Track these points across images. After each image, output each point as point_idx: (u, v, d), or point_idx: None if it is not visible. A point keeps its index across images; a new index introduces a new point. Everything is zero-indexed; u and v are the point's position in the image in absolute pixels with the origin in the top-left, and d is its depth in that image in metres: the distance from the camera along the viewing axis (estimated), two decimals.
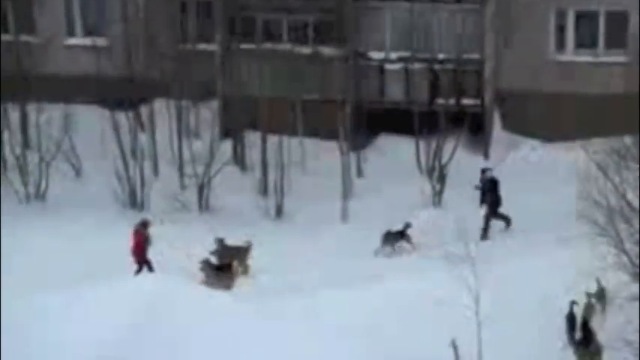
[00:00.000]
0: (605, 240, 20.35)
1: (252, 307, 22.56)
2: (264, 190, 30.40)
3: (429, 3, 31.78)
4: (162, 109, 32.09)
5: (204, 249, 25.92)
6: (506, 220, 27.22)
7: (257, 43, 32.40)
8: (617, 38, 32.20)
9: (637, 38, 31.59)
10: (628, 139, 21.79)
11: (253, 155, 31.43)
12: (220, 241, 26.04)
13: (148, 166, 30.63)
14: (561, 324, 21.18)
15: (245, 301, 23.15)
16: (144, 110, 32.26)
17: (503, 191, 27.69)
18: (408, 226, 26.76)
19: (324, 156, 31.86)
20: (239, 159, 32.01)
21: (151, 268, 25.25)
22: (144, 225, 25.53)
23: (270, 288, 24.26)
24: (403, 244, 26.65)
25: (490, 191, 27.30)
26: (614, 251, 20.22)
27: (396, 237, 26.71)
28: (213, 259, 25.69)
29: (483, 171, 28.10)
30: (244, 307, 22.54)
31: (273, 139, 30.63)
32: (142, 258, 25.23)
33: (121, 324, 21.22)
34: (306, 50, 32.60)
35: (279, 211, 29.52)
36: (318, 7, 32.21)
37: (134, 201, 29.72)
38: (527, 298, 21.99)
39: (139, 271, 25.18)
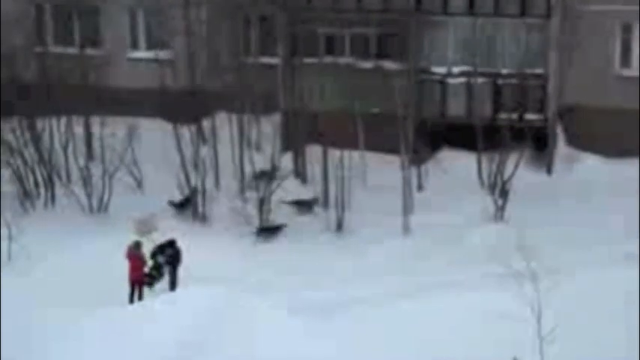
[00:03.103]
0: None
1: (311, 322, 22.53)
2: (325, 204, 30.38)
3: (493, 17, 31.62)
4: (224, 122, 32.24)
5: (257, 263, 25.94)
6: None
7: (319, 57, 32.44)
8: None
9: None
10: None
11: (314, 169, 31.44)
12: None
13: (209, 178, 30.76)
14: (625, 341, 20.89)
15: (303, 314, 23.10)
16: (206, 123, 32.44)
17: (566, 206, 27.35)
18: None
19: (385, 170, 31.79)
20: (300, 172, 32.04)
21: (140, 294, 25.06)
22: (137, 246, 25.29)
23: (331, 301, 24.18)
24: None
25: None
26: None
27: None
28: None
29: None
30: (301, 322, 22.52)
31: (334, 153, 30.61)
32: (137, 279, 25.09)
33: (178, 337, 21.35)
34: (367, 64, 32.58)
35: (339, 225, 29.49)
36: (380, 21, 32.19)
37: (196, 213, 29.85)
38: (592, 314, 21.72)
39: (132, 293, 25.03)
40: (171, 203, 29.80)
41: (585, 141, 32.46)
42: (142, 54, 35.15)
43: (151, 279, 25.43)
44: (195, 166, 30.59)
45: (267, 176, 29.62)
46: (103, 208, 30.32)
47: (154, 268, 25.71)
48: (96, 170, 30.57)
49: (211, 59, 32.74)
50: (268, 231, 28.74)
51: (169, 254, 25.79)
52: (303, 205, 30.00)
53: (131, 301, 24.88)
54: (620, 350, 20.94)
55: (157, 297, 24.21)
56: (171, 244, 25.95)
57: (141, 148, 31.17)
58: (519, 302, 20.36)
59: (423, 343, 21.62)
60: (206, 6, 33.27)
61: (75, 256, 26.65)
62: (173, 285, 25.64)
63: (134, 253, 25.18)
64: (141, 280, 25.18)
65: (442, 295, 23.48)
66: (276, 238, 28.70)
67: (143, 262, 25.26)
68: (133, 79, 34.48)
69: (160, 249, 25.94)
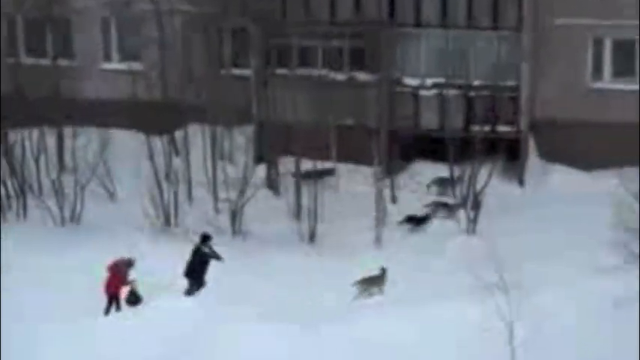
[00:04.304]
0: None
1: (284, 331, 22.52)
2: (297, 215, 30.40)
3: (465, 29, 31.77)
4: (196, 134, 32.23)
5: (233, 272, 25.91)
6: None
7: (292, 69, 32.48)
8: None
9: None
10: None
11: (287, 180, 31.44)
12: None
13: (182, 190, 30.72)
14: (595, 354, 20.98)
15: (275, 325, 23.08)
16: (178, 135, 32.40)
17: (538, 218, 27.45)
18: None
19: (358, 182, 31.86)
20: (273, 184, 32.04)
21: (118, 307, 24.96)
22: (129, 264, 25.12)
23: (305, 312, 24.16)
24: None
25: None
26: None
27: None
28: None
29: None
30: (274, 331, 22.50)
31: (307, 164, 30.63)
32: (114, 293, 24.96)
33: (156, 350, 21.23)
34: (340, 76, 32.65)
35: (312, 236, 29.50)
36: (353, 33, 32.27)
37: (168, 225, 29.79)
38: (562, 326, 21.80)
39: (109, 306, 24.89)
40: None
41: (557, 153, 32.63)
42: (114, 65, 35.09)
43: (135, 298, 25.11)
44: (168, 177, 30.55)
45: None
46: (75, 219, 30.21)
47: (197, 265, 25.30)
48: (68, 182, 30.47)
49: (184, 71, 32.73)
50: (414, 221, 28.83)
51: (210, 247, 25.73)
52: (445, 208, 30.17)
53: (107, 313, 24.76)
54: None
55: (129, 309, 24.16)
56: (207, 237, 25.84)
57: (113, 159, 31.09)
58: (491, 314, 20.41)
59: (396, 354, 21.61)
60: (179, 17, 33.28)
61: (46, 268, 26.52)
62: (200, 285, 25.42)
63: (120, 269, 24.99)
64: (117, 295, 25.01)
65: (414, 307, 23.50)
66: (423, 228, 28.87)
67: (123, 281, 25.07)
68: (106, 90, 34.42)
69: (203, 240, 25.82)
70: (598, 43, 32.44)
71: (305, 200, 30.18)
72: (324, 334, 22.18)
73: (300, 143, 30.82)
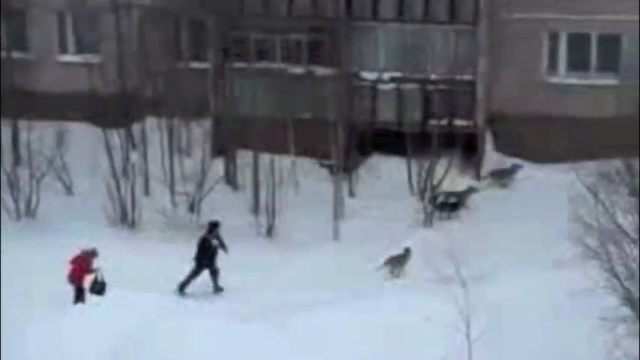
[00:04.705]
0: (597, 263, 20.34)
1: (247, 326, 22.52)
2: (255, 209, 30.36)
3: (422, 24, 31.86)
4: (154, 127, 32.04)
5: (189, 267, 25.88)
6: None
7: (250, 63, 32.42)
8: (608, 61, 32.31)
9: (628, 61, 31.68)
10: (618, 163, 21.84)
11: (245, 174, 31.40)
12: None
13: (139, 183, 30.57)
14: (553, 345, 21.16)
15: (237, 320, 23.07)
16: (136, 128, 32.23)
17: (494, 211, 27.61)
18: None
19: (316, 175, 31.90)
20: (231, 178, 31.98)
21: (83, 298, 24.80)
22: (92, 253, 25.02)
23: (263, 306, 24.17)
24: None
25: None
26: (606, 274, 20.20)
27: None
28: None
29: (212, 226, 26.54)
30: (236, 326, 22.49)
31: (265, 158, 30.60)
32: (79, 284, 24.86)
33: (110, 344, 21.15)
34: (298, 70, 32.64)
35: (270, 230, 29.48)
36: (311, 27, 32.26)
37: (125, 219, 29.65)
38: (520, 319, 21.96)
39: (78, 297, 24.78)
40: None
41: (514, 147, 32.81)
42: (70, 58, 34.81)
43: (100, 287, 24.99)
44: (125, 171, 30.39)
45: None
46: (30, 213, 29.97)
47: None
48: (23, 175, 30.22)
49: (141, 64, 32.54)
50: (448, 206, 28.97)
51: (218, 235, 26.01)
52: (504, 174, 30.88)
53: (76, 302, 24.69)
54: (547, 353, 21.22)
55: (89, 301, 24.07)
56: (215, 225, 26.14)
57: (70, 153, 30.87)
58: (449, 307, 20.52)
59: (352, 347, 21.69)
60: (136, 11, 33.07)
61: (2, 263, 26.28)
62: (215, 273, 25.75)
63: (84, 259, 24.87)
64: (82, 285, 24.89)
65: (372, 300, 23.59)
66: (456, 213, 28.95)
67: (87, 270, 24.96)
68: (62, 83, 34.14)
69: (210, 229, 26.09)
70: (554, 38, 32.66)
71: (263, 194, 30.14)
72: (291, 327, 22.24)
73: (258, 137, 30.77)
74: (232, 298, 25.04)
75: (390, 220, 29.46)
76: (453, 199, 29.99)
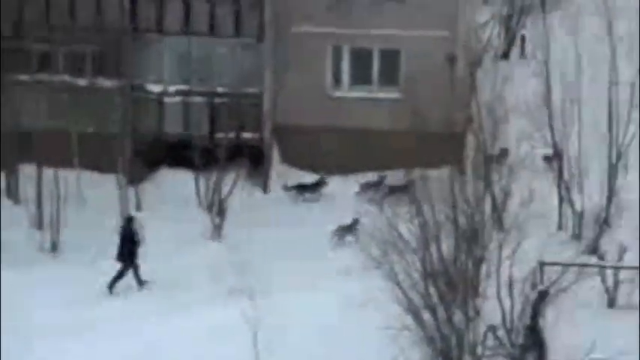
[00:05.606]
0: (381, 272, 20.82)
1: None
2: (39, 224, 29.63)
3: (207, 37, 31.93)
4: None
5: None
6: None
7: (31, 74, 31.68)
8: (389, 75, 33.19)
9: (408, 76, 32.61)
10: (400, 174, 22.51)
11: (28, 189, 30.62)
12: None
13: None
14: (337, 354, 21.54)
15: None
16: None
17: (279, 223, 27.85)
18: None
19: (103, 189, 31.38)
20: (12, 192, 31.13)
21: None
22: None
23: (54, 325, 23.66)
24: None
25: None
26: (389, 284, 20.67)
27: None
28: None
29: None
30: None
31: (49, 173, 29.91)
32: None
33: None
34: (82, 82, 32.12)
35: (54, 246, 28.84)
36: (95, 39, 31.81)
37: None
38: (306, 328, 22.26)
39: None
40: None
41: (300, 159, 33.24)
42: None
43: None
44: None
45: None
46: None
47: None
48: None
49: None
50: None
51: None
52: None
53: None
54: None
55: None
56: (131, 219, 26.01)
57: None
58: (236, 318, 20.60)
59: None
60: None
61: None
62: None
63: None
64: None
65: (165, 315, 23.45)
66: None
67: None
68: None
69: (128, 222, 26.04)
70: (337, 52, 33.32)
71: (47, 209, 29.46)
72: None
73: (41, 150, 30.07)
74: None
75: (178, 233, 29.29)
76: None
